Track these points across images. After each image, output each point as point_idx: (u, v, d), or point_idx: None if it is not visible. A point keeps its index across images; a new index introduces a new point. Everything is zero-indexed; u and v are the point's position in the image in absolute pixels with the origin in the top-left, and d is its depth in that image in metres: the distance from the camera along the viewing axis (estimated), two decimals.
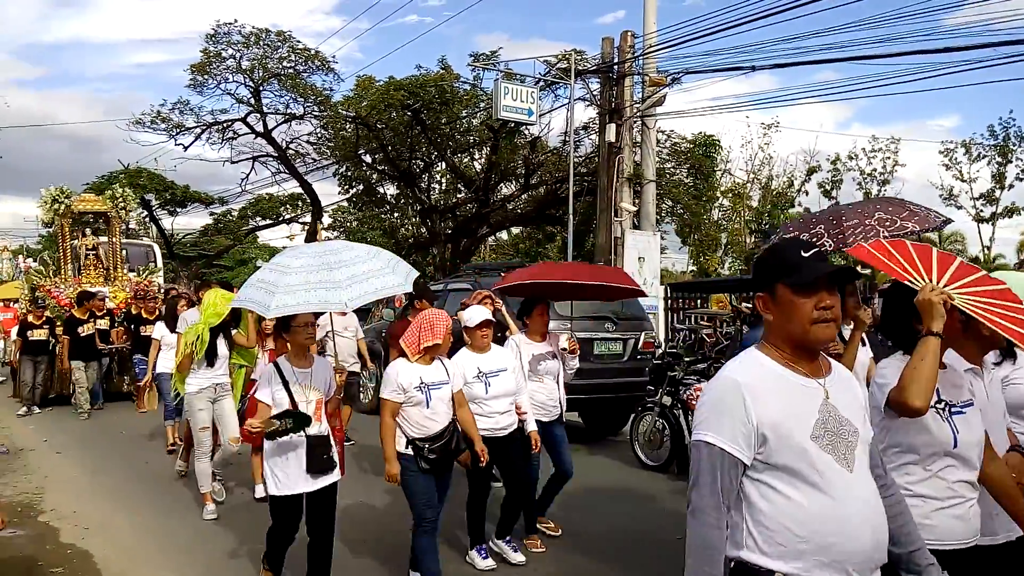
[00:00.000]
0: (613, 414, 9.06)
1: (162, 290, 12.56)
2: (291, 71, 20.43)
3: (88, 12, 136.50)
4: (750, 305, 7.61)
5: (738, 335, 9.17)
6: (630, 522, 5.69)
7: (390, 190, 23.76)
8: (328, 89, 20.90)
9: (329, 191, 64.58)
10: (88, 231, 13.67)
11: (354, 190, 23.55)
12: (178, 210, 29.50)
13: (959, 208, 24.44)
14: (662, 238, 18.55)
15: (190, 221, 36.71)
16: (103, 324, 11.54)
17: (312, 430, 3.95)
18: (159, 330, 8.48)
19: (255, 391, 3.81)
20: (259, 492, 6.12)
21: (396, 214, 24.62)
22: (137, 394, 10.94)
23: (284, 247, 40.67)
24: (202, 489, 6.00)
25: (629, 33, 14.92)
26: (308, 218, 25.70)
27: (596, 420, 9.25)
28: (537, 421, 5.00)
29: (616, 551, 5.07)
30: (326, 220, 26.21)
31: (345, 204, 25.33)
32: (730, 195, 24.36)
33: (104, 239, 14.00)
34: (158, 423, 8.99)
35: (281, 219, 29.62)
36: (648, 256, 14.93)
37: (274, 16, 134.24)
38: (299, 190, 24.78)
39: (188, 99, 21.50)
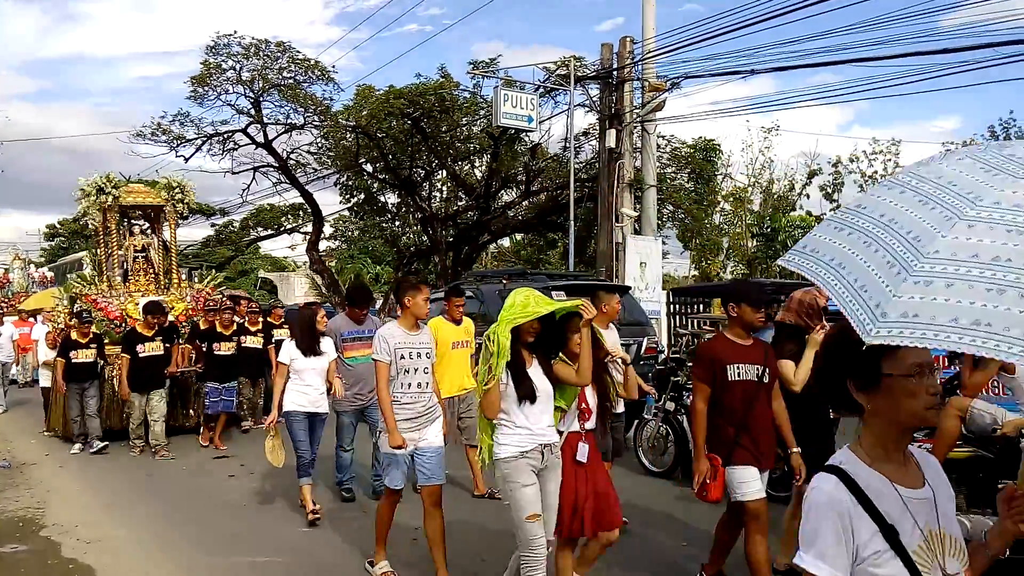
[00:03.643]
0: None
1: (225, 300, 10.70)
2: (291, 81, 20.41)
3: (89, 26, 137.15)
4: None
5: None
6: (635, 528, 5.64)
7: (391, 199, 23.79)
8: (328, 99, 20.91)
9: (330, 200, 64.77)
10: (136, 229, 11.75)
11: (355, 199, 23.58)
12: (180, 221, 29.53)
13: None
14: (664, 243, 18.54)
15: (191, 232, 36.68)
16: (155, 347, 9.04)
17: None
18: (288, 352, 6.13)
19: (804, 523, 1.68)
20: None
21: (397, 223, 24.62)
22: (204, 427, 9.39)
23: (286, 257, 40.71)
24: None
25: (628, 39, 14.93)
26: (309, 228, 25.71)
27: None
28: None
29: (623, 558, 5.03)
30: (327, 229, 26.19)
31: (346, 213, 25.38)
32: (731, 199, 24.33)
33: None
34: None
35: (283, 229, 29.67)
36: (650, 261, 14.90)
37: (274, 27, 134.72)
38: (300, 200, 24.78)
39: (188, 111, 21.50)
